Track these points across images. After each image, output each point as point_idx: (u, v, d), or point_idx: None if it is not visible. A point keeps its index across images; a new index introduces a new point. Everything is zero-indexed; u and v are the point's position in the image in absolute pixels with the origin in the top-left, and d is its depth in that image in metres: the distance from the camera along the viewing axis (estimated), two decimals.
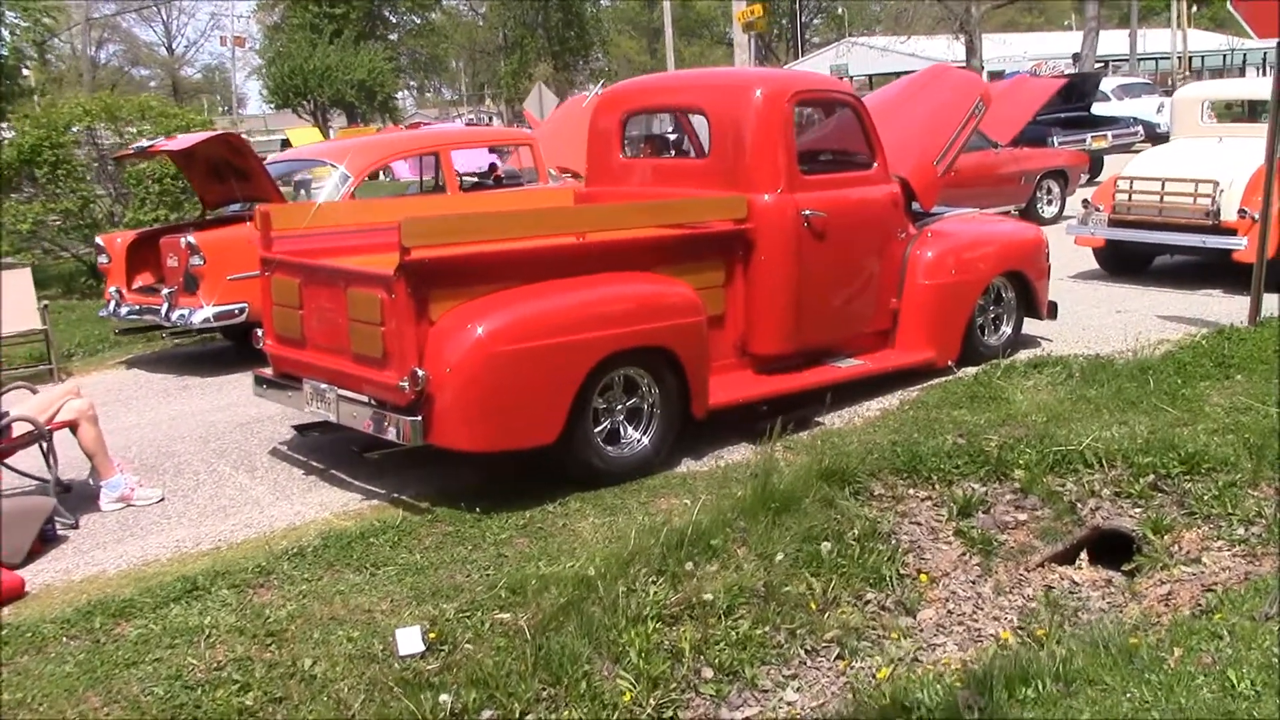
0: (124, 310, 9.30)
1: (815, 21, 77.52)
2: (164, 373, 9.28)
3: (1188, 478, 5.84)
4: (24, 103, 14.67)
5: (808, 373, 6.81)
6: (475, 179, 13.05)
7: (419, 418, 5.33)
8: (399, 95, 64.95)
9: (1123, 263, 10.98)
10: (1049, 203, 15.79)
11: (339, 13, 56.07)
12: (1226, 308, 9.27)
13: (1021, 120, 15.84)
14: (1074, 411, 6.63)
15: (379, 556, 5.12)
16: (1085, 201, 10.86)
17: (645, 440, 5.95)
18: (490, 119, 61.70)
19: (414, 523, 5.46)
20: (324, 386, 5.84)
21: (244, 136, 9.38)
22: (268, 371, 6.43)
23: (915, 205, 7.65)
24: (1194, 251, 10.20)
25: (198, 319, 8.61)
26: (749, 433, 6.49)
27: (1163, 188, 10.09)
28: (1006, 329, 7.96)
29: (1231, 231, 9.63)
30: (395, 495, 5.88)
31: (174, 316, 8.72)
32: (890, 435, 6.49)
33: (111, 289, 9.42)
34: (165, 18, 72.89)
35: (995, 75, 39.22)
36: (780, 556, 5.22)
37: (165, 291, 8.82)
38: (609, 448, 5.87)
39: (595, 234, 5.99)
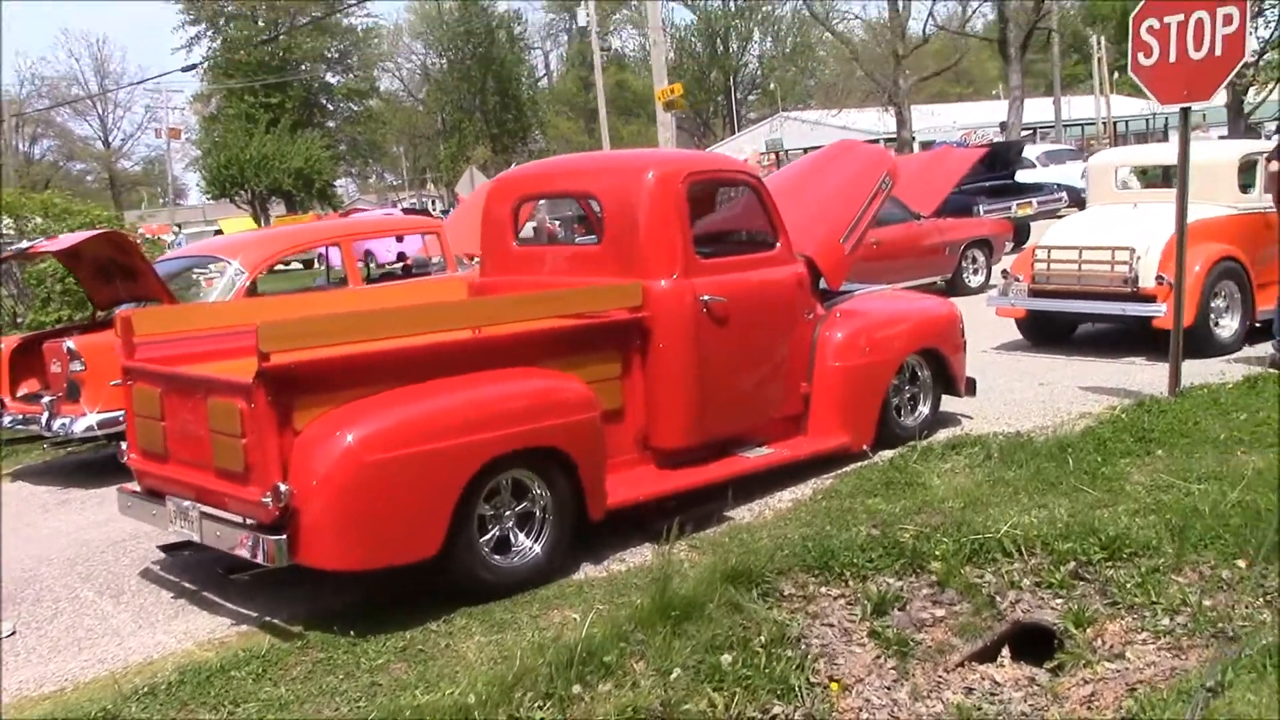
0: (5, 420, 8.83)
1: (750, 97, 78.65)
2: (49, 484, 8.78)
3: (1109, 564, 5.55)
4: None
5: (714, 465, 6.48)
6: (385, 269, 12.75)
7: (283, 536, 4.93)
8: (340, 182, 65.00)
9: (1045, 332, 10.82)
10: (975, 272, 15.73)
11: (275, 102, 56.19)
12: (1149, 376, 9.09)
13: (943, 191, 15.84)
14: (992, 495, 6.34)
15: (240, 692, 4.67)
16: (1004, 272, 10.72)
17: (537, 548, 5.56)
18: (433, 203, 61.65)
19: (282, 650, 5.01)
20: (187, 503, 5.42)
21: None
22: (133, 487, 5.99)
23: (824, 284, 7.40)
24: (1114, 319, 10.05)
25: (79, 427, 8.15)
26: (653, 532, 6.12)
27: (1080, 256, 9.95)
28: (924, 409, 7.68)
29: (1150, 298, 9.50)
30: (266, 619, 5.44)
31: (55, 426, 8.26)
32: (802, 528, 6.15)
33: None
34: (100, 112, 72.68)
35: (926, 145, 39.79)
36: (677, 672, 4.84)
37: (46, 400, 8.37)
38: (497, 557, 5.48)
39: (477, 329, 5.65)
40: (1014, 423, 7.89)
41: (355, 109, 65.04)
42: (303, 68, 59.14)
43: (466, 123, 67.27)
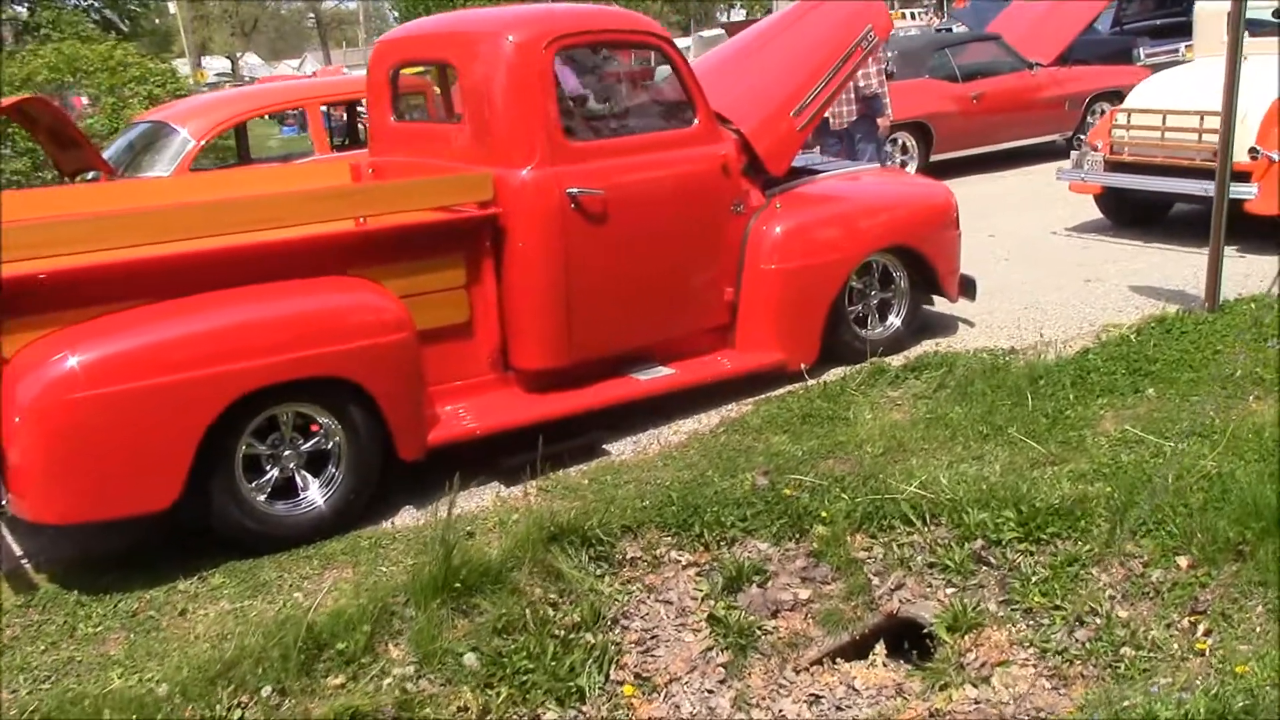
0: None
1: None
2: None
3: (1022, 546, 4.35)
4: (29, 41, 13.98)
5: (592, 389, 5.44)
6: None
7: None
8: None
9: (1133, 211, 9.11)
10: None
11: None
12: (1232, 272, 7.42)
13: (1067, 37, 13.84)
14: (924, 439, 5.15)
15: None
16: (1078, 139, 9.05)
17: (320, 500, 4.70)
18: None
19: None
20: None
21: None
22: None
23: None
24: (1197, 200, 8.33)
25: None
26: (504, 470, 5.21)
27: (1164, 121, 8.23)
28: (894, 319, 6.34)
29: (1244, 176, 7.75)
30: (24, 563, 4.78)
31: None
32: (681, 471, 5.12)
33: None
34: None
35: None
36: (409, 669, 3.98)
37: None
38: (275, 504, 4.65)
39: (251, 235, 4.71)
40: (1020, 335, 6.52)
41: None
42: None
43: None
